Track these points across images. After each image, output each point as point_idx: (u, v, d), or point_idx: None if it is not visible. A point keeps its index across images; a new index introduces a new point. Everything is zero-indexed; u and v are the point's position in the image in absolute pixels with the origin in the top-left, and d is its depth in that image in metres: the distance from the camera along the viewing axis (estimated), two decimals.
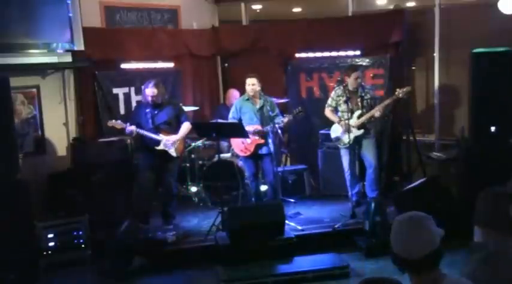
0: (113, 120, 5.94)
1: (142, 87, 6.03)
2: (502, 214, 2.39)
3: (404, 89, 6.02)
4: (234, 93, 7.50)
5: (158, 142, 5.86)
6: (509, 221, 2.38)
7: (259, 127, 6.07)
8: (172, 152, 5.90)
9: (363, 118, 6.17)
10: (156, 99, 5.85)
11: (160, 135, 5.87)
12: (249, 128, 5.99)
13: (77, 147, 6.27)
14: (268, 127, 6.00)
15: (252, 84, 6.09)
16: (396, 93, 6.06)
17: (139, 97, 7.02)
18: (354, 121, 6.19)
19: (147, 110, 5.92)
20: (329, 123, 6.57)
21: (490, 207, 2.42)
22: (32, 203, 5.20)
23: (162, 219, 6.11)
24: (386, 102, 6.18)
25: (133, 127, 5.77)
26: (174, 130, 5.96)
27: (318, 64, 7.52)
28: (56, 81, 6.42)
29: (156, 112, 5.92)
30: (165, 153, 5.89)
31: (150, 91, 5.84)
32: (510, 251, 2.34)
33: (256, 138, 6.10)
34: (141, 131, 5.81)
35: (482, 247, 2.38)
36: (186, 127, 6.00)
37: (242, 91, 6.57)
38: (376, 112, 6.12)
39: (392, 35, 7.14)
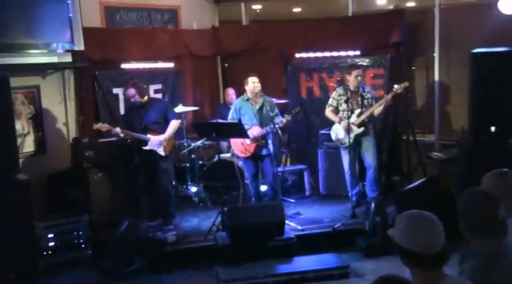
0: (99, 123, 6.01)
1: (124, 93, 6.11)
2: (491, 217, 2.36)
3: (402, 84, 6.02)
4: (229, 92, 7.54)
5: (146, 143, 5.91)
6: (499, 222, 2.35)
7: (258, 129, 6.06)
8: (161, 151, 5.94)
9: (363, 116, 6.18)
10: (138, 97, 5.92)
11: (149, 135, 5.91)
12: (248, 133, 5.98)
13: (77, 147, 6.27)
14: (268, 128, 6.00)
15: (256, 81, 6.08)
16: (394, 89, 6.06)
17: None
18: (354, 119, 6.20)
19: (135, 111, 6.00)
20: (329, 123, 6.57)
21: (477, 211, 2.39)
22: (32, 203, 5.20)
23: (162, 219, 6.12)
24: (385, 98, 6.18)
25: (118, 129, 5.85)
26: (162, 129, 6.00)
27: (318, 64, 7.52)
28: (56, 81, 6.42)
29: (143, 112, 5.97)
30: (154, 153, 5.91)
31: (129, 92, 5.96)
32: (502, 253, 2.32)
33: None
34: (129, 132, 5.87)
35: (473, 253, 2.36)
36: (173, 125, 6.04)
37: (240, 91, 6.55)
38: (376, 109, 6.13)
39: (392, 35, 7.15)
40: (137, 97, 5.94)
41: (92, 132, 6.65)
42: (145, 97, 6.02)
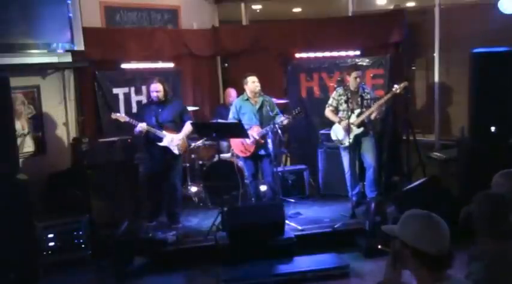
0: (117, 113, 5.97)
1: (146, 86, 6.06)
2: (501, 220, 2.34)
3: (402, 85, 6.03)
4: (231, 93, 7.53)
5: (161, 139, 5.88)
6: (509, 227, 2.34)
7: (258, 129, 6.06)
8: (175, 149, 5.92)
9: (363, 116, 6.18)
10: (161, 95, 5.89)
11: (164, 132, 5.88)
12: (249, 132, 5.98)
13: (77, 147, 6.27)
14: (268, 128, 6.00)
15: (256, 81, 6.08)
16: (394, 89, 6.07)
17: (139, 97, 7.03)
18: (353, 119, 6.20)
19: (152, 107, 5.96)
20: (329, 123, 6.57)
21: (488, 212, 2.38)
22: (32, 203, 5.20)
23: (167, 219, 6.15)
24: (385, 98, 6.19)
25: (143, 124, 5.77)
26: (178, 128, 5.99)
27: (318, 64, 7.52)
28: (56, 81, 6.42)
29: (160, 110, 5.94)
30: (167, 150, 5.90)
31: (154, 86, 5.88)
32: (509, 257, 2.30)
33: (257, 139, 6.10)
34: (150, 128, 5.81)
35: (482, 255, 2.34)
36: (188, 126, 6.03)
37: (240, 91, 6.55)
38: (375, 109, 6.13)
39: (392, 35, 7.15)
40: (160, 94, 5.88)
41: (92, 132, 6.66)
42: (164, 97, 5.97)
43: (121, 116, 5.92)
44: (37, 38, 5.93)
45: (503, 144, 5.69)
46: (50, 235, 5.42)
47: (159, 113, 5.92)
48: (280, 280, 4.95)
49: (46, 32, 6.00)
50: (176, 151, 5.94)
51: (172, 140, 5.89)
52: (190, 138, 6.91)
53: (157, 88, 5.87)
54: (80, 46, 6.26)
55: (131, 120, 5.84)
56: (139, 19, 7.53)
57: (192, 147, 6.96)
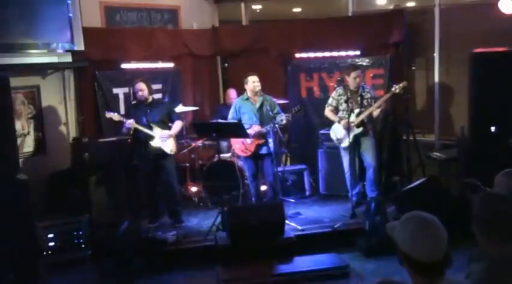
0: (111, 112, 6.01)
1: (131, 88, 6.13)
2: (501, 221, 2.33)
3: (401, 84, 6.03)
4: (231, 94, 7.52)
5: (152, 138, 5.92)
6: (509, 227, 2.32)
7: (258, 128, 6.06)
8: (166, 148, 5.95)
9: (362, 116, 6.18)
10: (146, 93, 5.95)
11: (155, 130, 5.91)
12: (249, 132, 5.98)
13: (76, 147, 6.27)
14: (268, 127, 6.00)
15: (256, 80, 6.08)
16: (393, 89, 6.07)
17: None
18: (353, 119, 6.20)
19: (142, 108, 6.01)
20: (329, 123, 6.57)
21: (488, 212, 2.36)
22: (32, 203, 5.20)
23: (170, 219, 6.18)
24: (384, 98, 6.19)
25: (131, 121, 5.83)
26: (167, 128, 6.07)
27: (318, 64, 7.52)
28: (56, 81, 6.42)
29: (149, 111, 6.00)
30: (159, 150, 5.93)
31: (138, 86, 5.95)
32: (510, 259, 2.29)
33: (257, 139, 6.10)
34: (138, 126, 5.86)
35: (482, 255, 2.32)
36: (178, 125, 6.12)
37: (241, 91, 6.56)
38: (375, 109, 6.13)
39: (392, 35, 7.15)
40: (145, 92, 5.95)
41: (92, 132, 6.66)
42: (150, 97, 6.05)
43: (114, 115, 5.96)
44: (37, 38, 5.93)
45: (503, 144, 5.69)
46: (50, 235, 5.42)
47: (148, 114, 5.98)
48: (280, 280, 4.95)
49: (46, 32, 6.00)
50: (168, 151, 5.98)
51: (163, 137, 5.93)
52: (190, 137, 6.94)
53: (141, 87, 5.94)
54: (80, 46, 6.26)
55: (123, 118, 5.89)
56: (139, 19, 7.53)
57: (192, 147, 6.97)
